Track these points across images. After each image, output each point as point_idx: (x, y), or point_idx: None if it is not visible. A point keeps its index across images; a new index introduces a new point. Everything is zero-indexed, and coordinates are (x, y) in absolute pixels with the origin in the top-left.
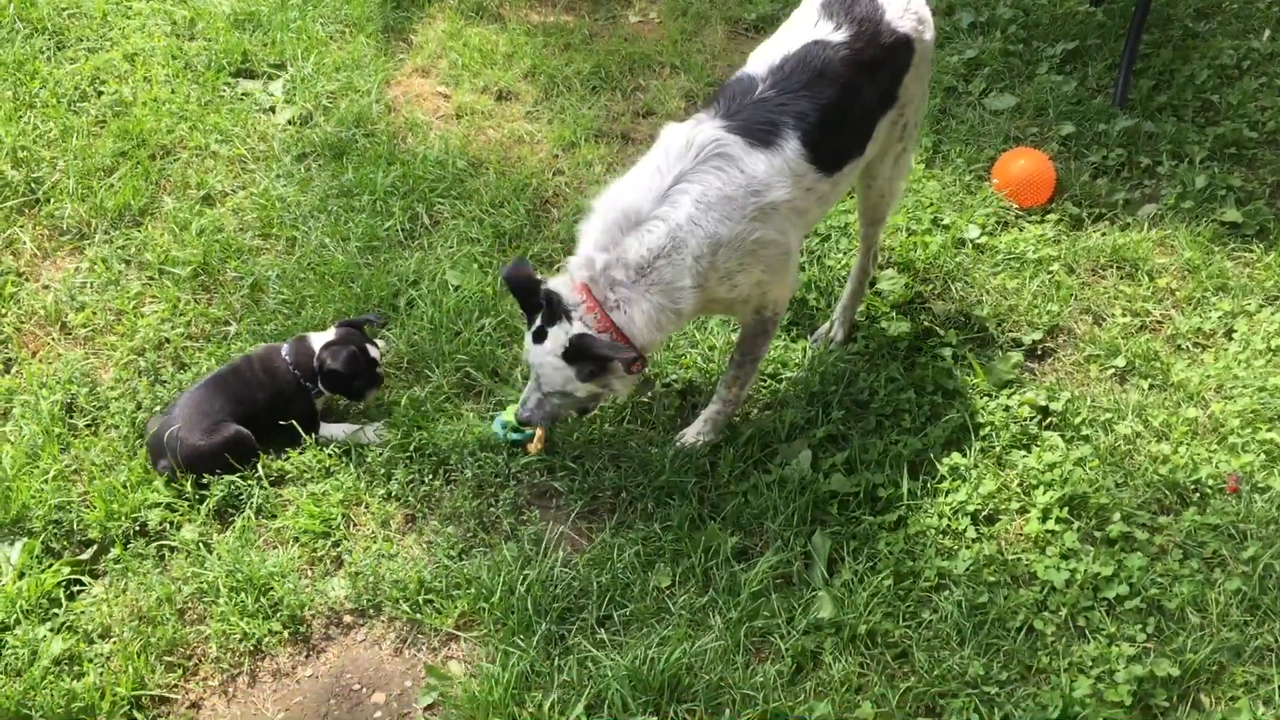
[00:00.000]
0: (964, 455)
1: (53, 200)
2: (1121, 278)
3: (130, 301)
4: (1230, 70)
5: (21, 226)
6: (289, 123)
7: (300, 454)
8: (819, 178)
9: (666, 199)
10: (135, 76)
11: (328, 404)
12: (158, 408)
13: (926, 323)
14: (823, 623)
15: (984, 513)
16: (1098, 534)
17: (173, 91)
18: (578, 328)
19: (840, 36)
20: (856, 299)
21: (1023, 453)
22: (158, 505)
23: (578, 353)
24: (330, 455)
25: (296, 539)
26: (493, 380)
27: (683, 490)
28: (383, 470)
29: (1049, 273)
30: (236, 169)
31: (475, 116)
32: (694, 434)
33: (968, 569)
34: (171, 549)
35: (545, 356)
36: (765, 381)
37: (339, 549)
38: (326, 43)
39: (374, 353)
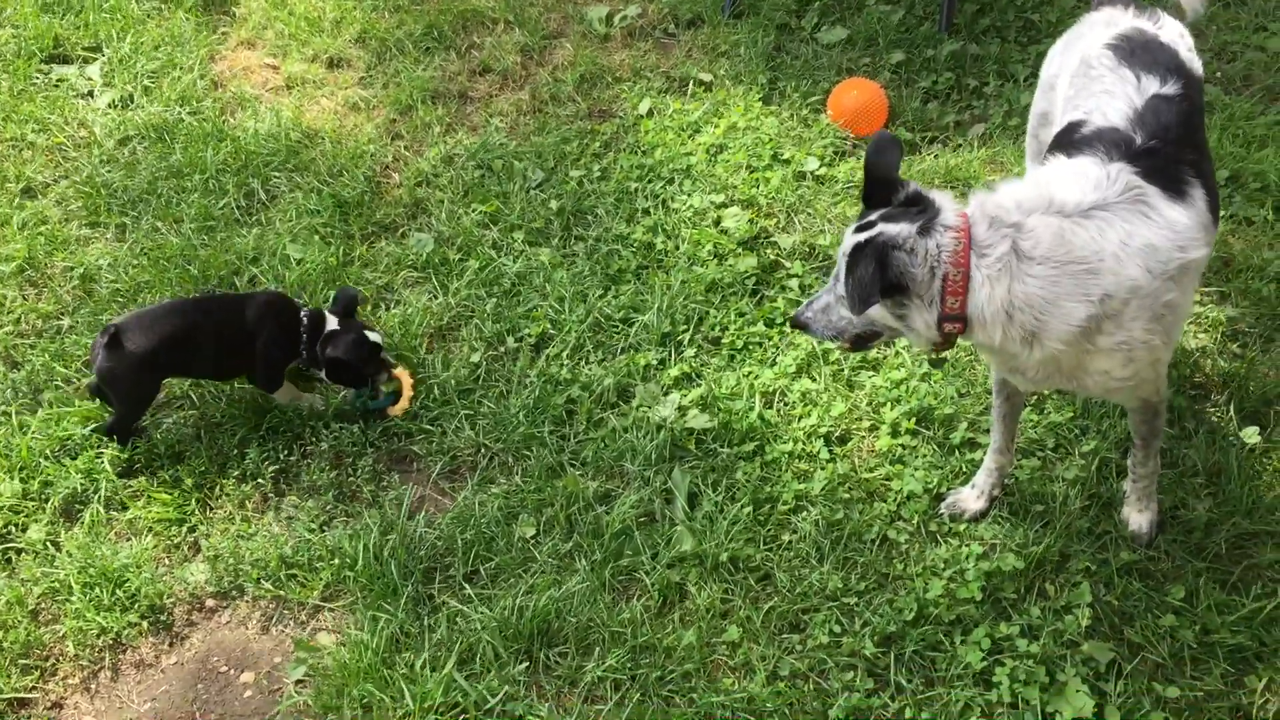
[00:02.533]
0: (815, 381)
1: None
2: (957, 197)
3: None
4: None
5: None
6: (109, 106)
7: (145, 441)
8: (1213, 230)
9: (1084, 208)
10: None
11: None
12: None
13: (773, 256)
14: (685, 555)
15: (836, 434)
16: (942, 444)
17: None
18: (906, 244)
19: (1171, 90)
20: None
21: (871, 373)
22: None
23: (880, 260)
24: (179, 440)
25: (151, 529)
26: None
27: (541, 440)
28: (235, 451)
29: None
30: (57, 158)
31: (307, 86)
32: (1138, 518)
33: (823, 489)
34: (18, 551)
35: None
36: (618, 327)
37: (195, 534)
38: (144, 20)
39: (375, 338)
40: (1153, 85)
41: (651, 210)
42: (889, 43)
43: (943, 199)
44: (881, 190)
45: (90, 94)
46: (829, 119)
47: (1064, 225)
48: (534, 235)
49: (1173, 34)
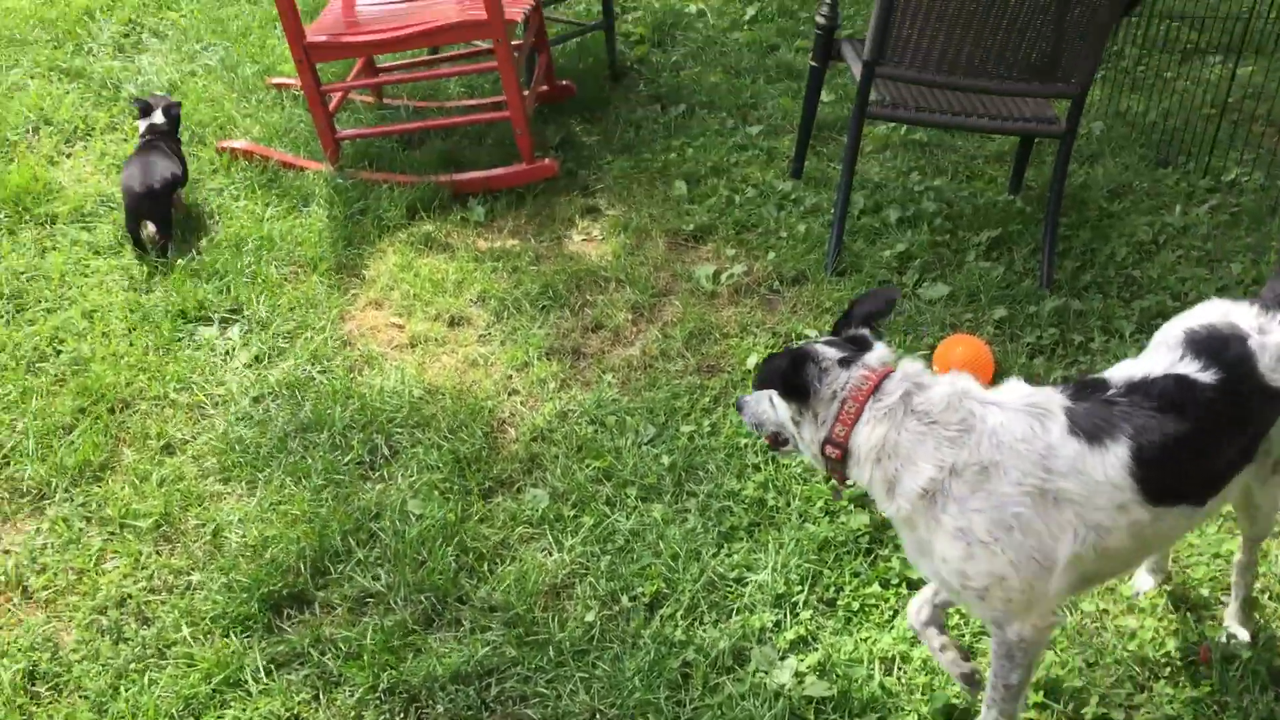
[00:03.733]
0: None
1: (12, 463)
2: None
3: (91, 559)
4: (1148, 245)
5: None
6: (245, 365)
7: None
8: (1137, 501)
9: (986, 399)
10: (94, 333)
11: None
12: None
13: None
14: None
15: (960, 707)
16: (1073, 718)
17: (131, 344)
18: (824, 363)
19: (1208, 378)
20: (1246, 602)
21: None
22: None
23: (795, 363)
24: (299, 700)
25: None
26: (459, 607)
27: (657, 707)
28: (353, 714)
29: None
30: (195, 416)
31: (429, 344)
32: None
33: None
34: None
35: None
36: (732, 586)
37: None
38: (281, 284)
39: None
40: (1189, 367)
41: (762, 466)
42: (991, 299)
43: (881, 348)
44: (845, 326)
45: (229, 354)
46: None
47: (961, 395)
48: (646, 491)
49: (1269, 343)
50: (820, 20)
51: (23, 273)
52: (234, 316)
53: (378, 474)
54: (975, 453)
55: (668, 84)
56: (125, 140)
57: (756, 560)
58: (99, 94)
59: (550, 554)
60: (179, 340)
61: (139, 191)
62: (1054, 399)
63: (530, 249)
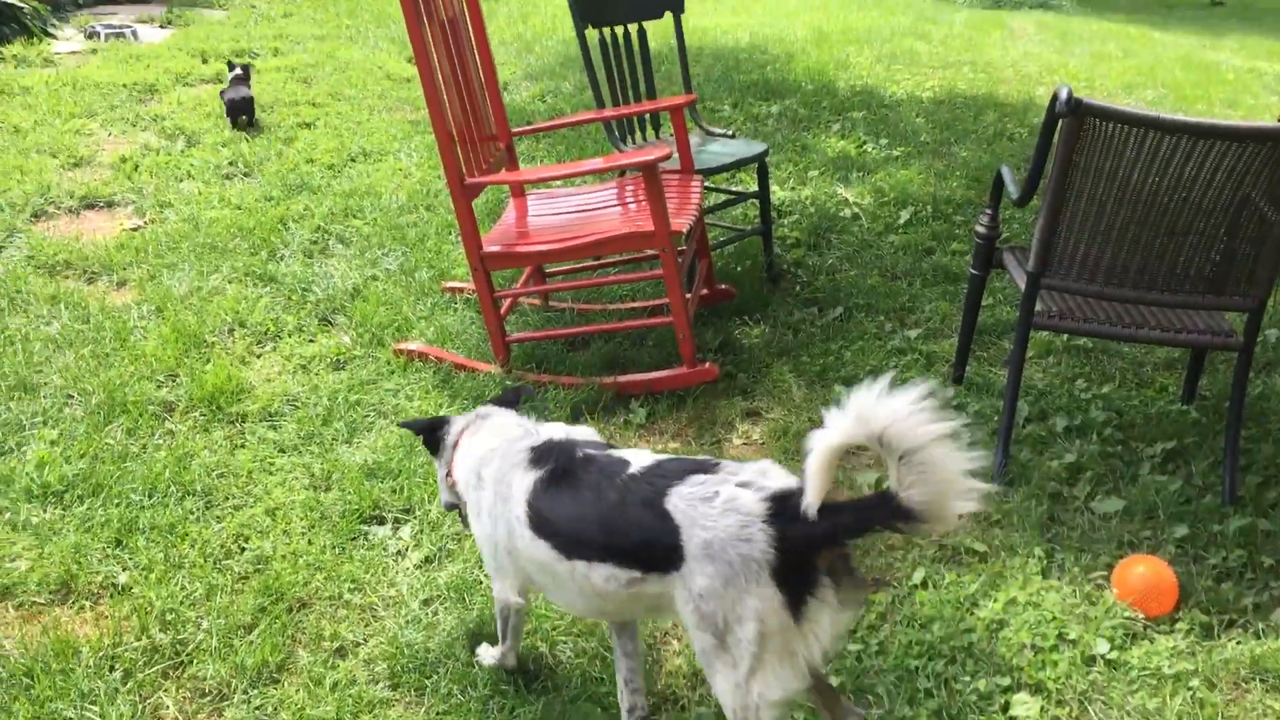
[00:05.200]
0: None
1: (196, 661)
2: (1267, 690)
3: None
4: None
5: (166, 691)
6: (416, 567)
7: None
8: (532, 538)
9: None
10: (275, 531)
11: None
12: None
13: None
14: None
15: None
16: None
17: (309, 543)
18: (453, 425)
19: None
20: None
21: None
22: None
23: (435, 423)
24: None
25: None
26: None
27: None
28: None
29: (1189, 689)
30: (368, 617)
31: None
32: None
33: None
34: None
35: None
36: None
37: None
38: None
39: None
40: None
41: (934, 692)
42: (1170, 515)
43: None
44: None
45: (400, 554)
46: (1115, 596)
47: (505, 422)
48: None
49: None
50: (980, 229)
51: (214, 470)
52: (406, 517)
53: (540, 683)
54: (471, 461)
55: (824, 287)
56: (311, 341)
57: None
58: (289, 298)
59: None
60: (354, 540)
61: (238, 100)
62: (548, 442)
63: (691, 453)
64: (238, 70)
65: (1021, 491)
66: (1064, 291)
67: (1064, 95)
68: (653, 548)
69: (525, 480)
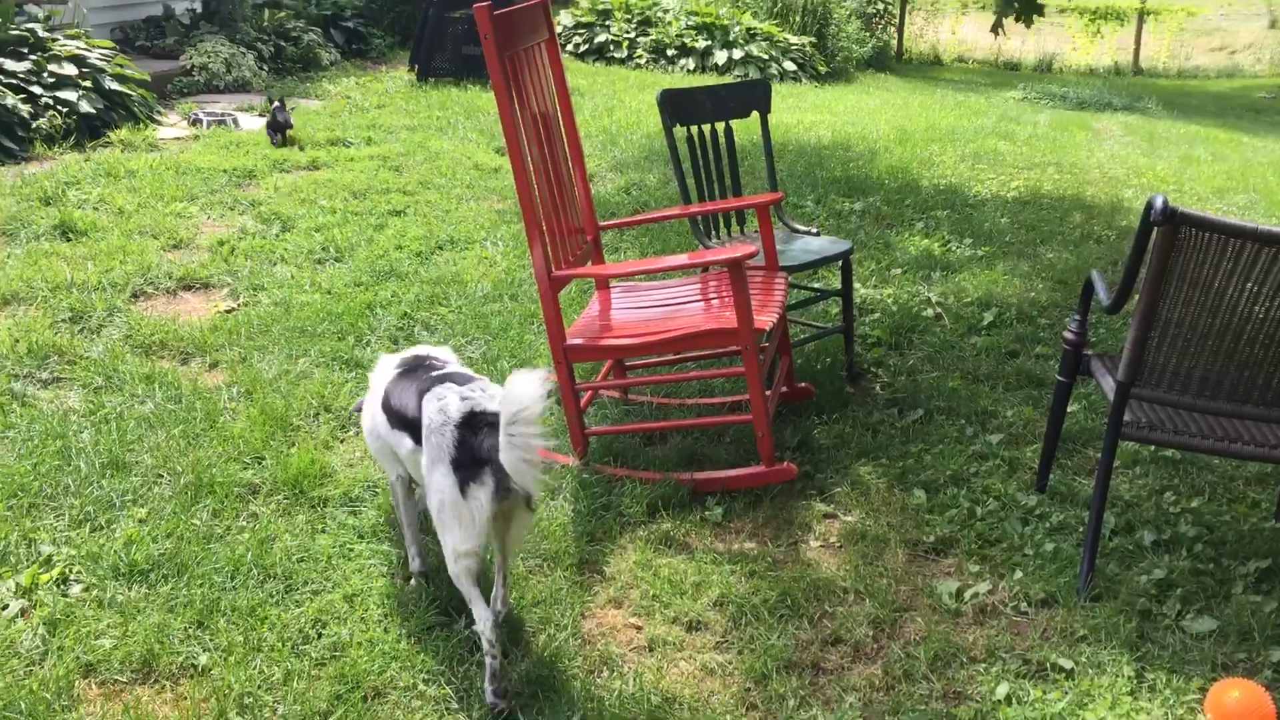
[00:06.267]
0: None
1: None
2: None
3: None
4: None
5: None
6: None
7: None
8: (383, 415)
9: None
10: (353, 617)
11: None
12: None
13: None
14: None
15: None
16: None
17: (386, 631)
18: None
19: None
20: None
21: None
22: None
23: None
24: None
25: None
26: None
27: None
28: None
29: None
30: (441, 709)
31: (667, 648)
32: None
33: None
34: None
35: None
36: None
37: None
38: (527, 578)
39: None
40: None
41: None
42: (1266, 638)
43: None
44: None
45: (476, 646)
46: None
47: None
48: None
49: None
50: (1069, 336)
51: (295, 554)
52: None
53: None
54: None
55: (905, 387)
56: None
57: None
58: None
59: None
60: (430, 630)
61: (277, 121)
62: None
63: (768, 553)
64: (278, 103)
65: (1108, 607)
66: (1155, 402)
67: (1159, 204)
68: (414, 427)
69: (387, 379)
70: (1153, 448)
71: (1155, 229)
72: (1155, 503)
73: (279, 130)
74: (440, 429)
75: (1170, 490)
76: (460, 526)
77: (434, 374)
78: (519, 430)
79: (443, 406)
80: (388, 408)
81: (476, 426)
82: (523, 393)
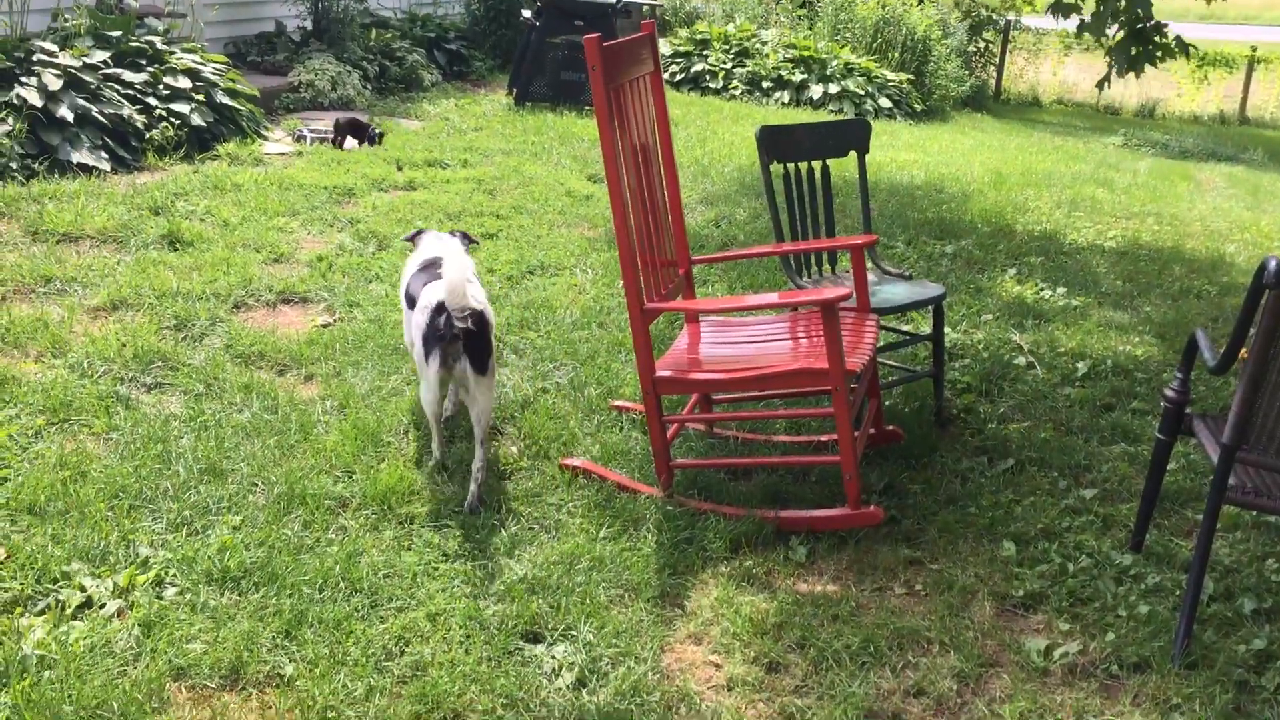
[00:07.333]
0: None
1: None
2: None
3: None
4: None
5: None
6: (569, 688)
7: None
8: (407, 298)
9: None
10: (435, 637)
11: None
12: None
13: None
14: None
15: None
16: None
17: (466, 653)
18: None
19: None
20: None
21: None
22: None
23: None
24: None
25: None
26: None
27: None
28: None
29: None
30: None
31: (746, 688)
32: None
33: None
34: None
35: None
36: None
37: None
38: (608, 607)
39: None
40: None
41: None
42: None
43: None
44: None
45: (554, 673)
46: None
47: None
48: None
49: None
50: (1170, 394)
51: (381, 569)
52: (563, 635)
53: None
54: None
55: (994, 436)
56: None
57: None
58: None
59: None
60: (509, 654)
61: (343, 122)
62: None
63: (851, 597)
64: (341, 117)
65: (1204, 675)
66: (1261, 467)
67: (1272, 266)
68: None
69: (411, 271)
70: (1255, 512)
71: (1268, 292)
72: (1256, 569)
73: (344, 133)
74: (422, 311)
75: (1273, 558)
76: (424, 381)
77: (438, 272)
78: (454, 300)
79: (428, 298)
80: (407, 293)
81: (440, 312)
82: (448, 281)
